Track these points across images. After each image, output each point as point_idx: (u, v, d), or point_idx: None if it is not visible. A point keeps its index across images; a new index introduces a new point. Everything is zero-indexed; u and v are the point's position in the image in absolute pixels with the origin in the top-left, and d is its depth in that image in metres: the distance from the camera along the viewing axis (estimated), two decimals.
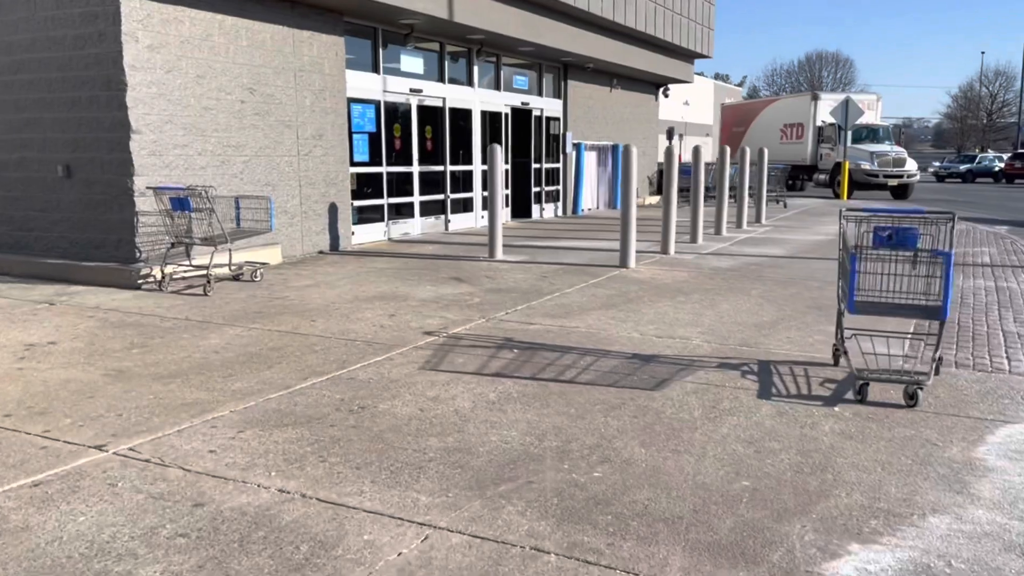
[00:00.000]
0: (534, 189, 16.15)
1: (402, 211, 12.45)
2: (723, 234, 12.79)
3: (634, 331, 6.08)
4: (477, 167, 14.13)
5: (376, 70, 11.72)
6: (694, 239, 11.74)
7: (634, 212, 9.37)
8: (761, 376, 4.89)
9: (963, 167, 43.86)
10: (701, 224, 11.82)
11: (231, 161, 9.16)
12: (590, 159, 17.89)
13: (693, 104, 47.89)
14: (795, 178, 28.17)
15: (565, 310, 6.88)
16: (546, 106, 16.28)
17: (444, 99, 13.20)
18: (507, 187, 15.20)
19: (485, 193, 14.38)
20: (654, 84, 21.08)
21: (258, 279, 8.41)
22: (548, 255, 10.38)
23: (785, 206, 19.69)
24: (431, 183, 13.09)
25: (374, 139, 11.67)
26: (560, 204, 17.16)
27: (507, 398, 4.47)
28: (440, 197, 13.33)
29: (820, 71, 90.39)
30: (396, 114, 12.22)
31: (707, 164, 25.72)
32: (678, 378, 4.85)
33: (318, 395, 4.53)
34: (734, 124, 33.62)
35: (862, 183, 25.05)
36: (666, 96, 21.97)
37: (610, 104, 18.72)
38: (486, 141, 14.34)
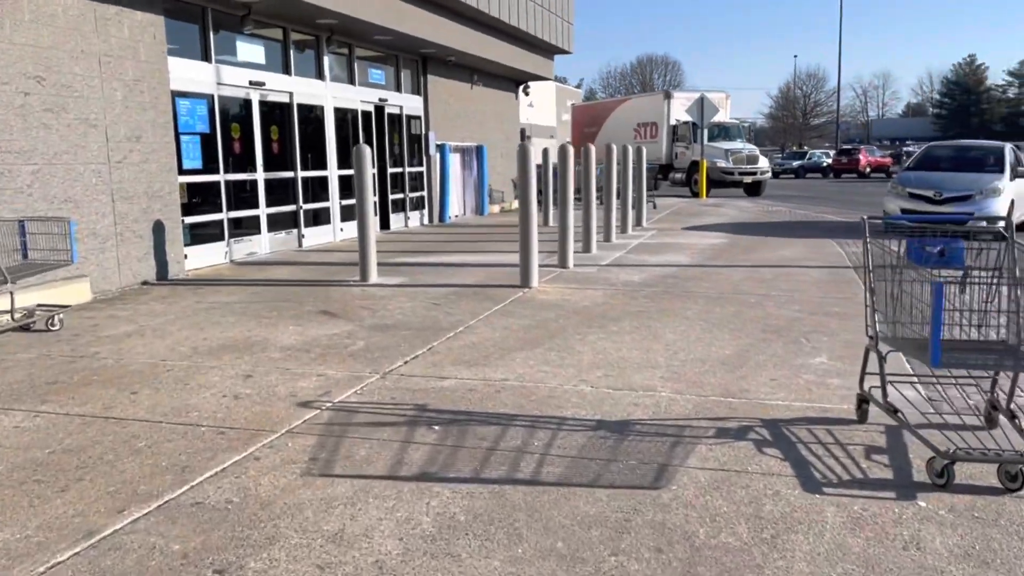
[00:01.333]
0: (396, 196, 14.47)
1: (246, 226, 10.44)
2: (613, 240, 11.70)
3: (580, 382, 4.67)
4: (333, 172, 12.30)
5: (207, 58, 9.68)
6: (587, 248, 10.54)
7: (535, 221, 7.98)
8: (782, 447, 3.61)
9: (795, 163, 46.09)
10: (595, 231, 10.63)
11: (13, 172, 6.94)
12: (455, 162, 16.42)
13: (537, 106, 47.53)
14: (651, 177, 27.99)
15: (480, 353, 5.36)
16: (405, 103, 14.65)
17: (291, 94, 11.29)
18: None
19: (343, 202, 12.57)
20: (514, 81, 19.90)
21: (56, 327, 6.30)
22: (431, 275, 8.80)
23: (655, 207, 19.09)
24: (280, 192, 11.15)
25: (208, 141, 9.62)
26: (426, 212, 15.57)
27: (452, 527, 2.91)
28: (291, 208, 11.40)
29: (651, 74, 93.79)
30: (234, 111, 10.21)
31: (537, 166, 24.86)
32: (679, 461, 3.46)
33: (142, 549, 2.77)
34: (585, 124, 33.24)
35: (718, 181, 25.11)
36: (526, 94, 20.88)
37: (472, 102, 17.34)
38: (341, 142, 12.53)
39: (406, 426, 3.97)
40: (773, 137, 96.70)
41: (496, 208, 18.58)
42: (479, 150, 17.38)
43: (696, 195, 24.80)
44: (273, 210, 10.94)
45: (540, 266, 9.04)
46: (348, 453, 3.63)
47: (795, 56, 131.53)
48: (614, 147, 12.01)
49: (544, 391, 4.50)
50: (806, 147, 71.53)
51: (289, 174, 11.31)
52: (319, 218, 12.08)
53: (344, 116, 12.68)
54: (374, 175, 13.64)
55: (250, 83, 10.40)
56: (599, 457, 3.53)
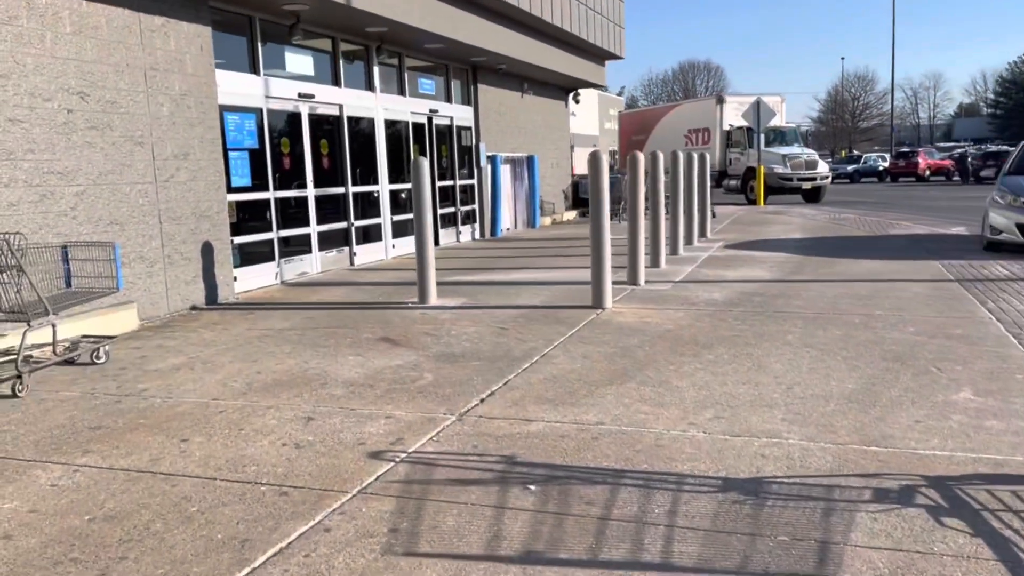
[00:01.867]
0: (446, 210, 13.97)
1: (296, 245, 10.01)
2: (680, 253, 11.01)
3: (689, 426, 4.03)
4: (384, 187, 11.84)
5: (255, 70, 9.28)
6: (655, 263, 9.87)
7: (607, 235, 7.36)
8: (966, 518, 2.93)
9: (850, 168, 44.70)
10: (663, 244, 9.97)
11: (56, 194, 6.55)
12: (505, 173, 15.89)
13: (579, 115, 46.98)
14: None
15: (563, 388, 4.76)
16: (456, 114, 14.16)
17: (341, 106, 10.86)
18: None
19: (394, 218, 12.09)
20: (564, 89, 19.34)
21: (101, 360, 5.86)
22: (493, 295, 8.23)
23: (714, 215, 18.31)
24: (330, 209, 10.71)
25: (257, 157, 9.21)
26: (477, 226, 15.05)
27: None
28: (342, 225, 10.95)
29: (694, 80, 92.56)
30: (283, 125, 9.80)
31: (582, 176, 24.15)
32: (840, 537, 2.81)
33: None
34: (633, 132, 32.52)
35: (776, 187, 24.22)
36: (576, 102, 20.30)
37: (521, 111, 16.81)
38: (392, 155, 12.07)
39: (496, 485, 3.38)
40: (822, 141, 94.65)
41: (548, 220, 18.00)
42: (530, 160, 16.83)
43: (752, 203, 23.92)
44: (324, 228, 10.50)
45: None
46: (434, 522, 3.05)
47: (842, 58, 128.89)
48: (680, 154, 11.33)
49: (649, 438, 3.88)
50: (855, 151, 69.72)
51: (340, 190, 10.87)
52: (370, 235, 11.61)
53: (394, 128, 12.23)
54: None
55: (299, 95, 9.98)
56: (739, 531, 2.89)
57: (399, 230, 12.22)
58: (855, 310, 6.76)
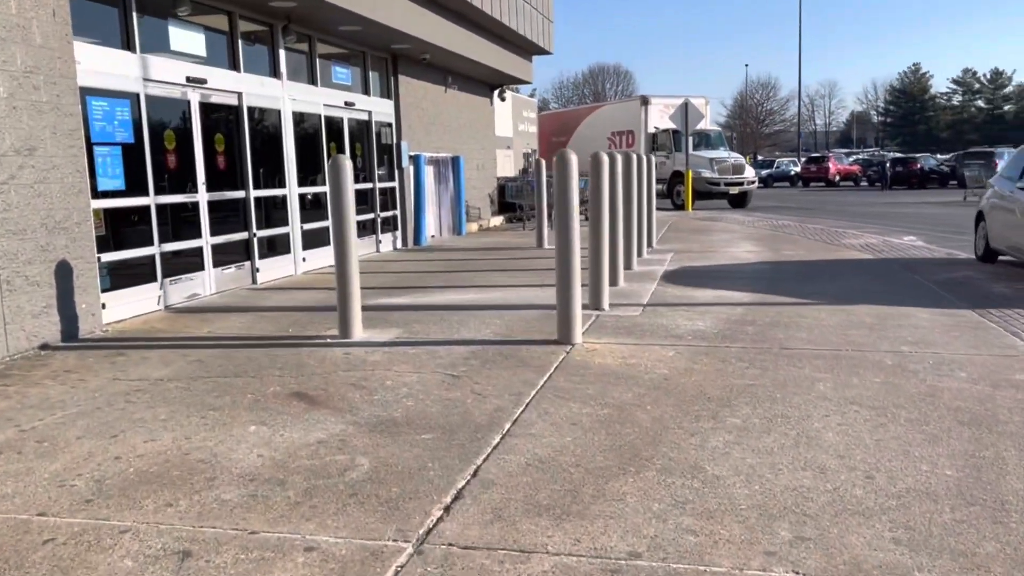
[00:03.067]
0: (364, 216, 12.37)
1: (185, 262, 8.27)
2: (635, 268, 9.79)
3: (767, 558, 2.70)
4: (293, 190, 10.18)
5: (130, 46, 7.52)
6: (613, 280, 8.60)
7: (577, 254, 6.01)
8: None
9: (764, 172, 45.09)
10: (621, 260, 8.71)
11: None
12: (428, 175, 14.39)
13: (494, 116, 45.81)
14: None
15: (561, 483, 3.37)
16: (375, 108, 12.58)
17: (240, 95, 9.16)
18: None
19: (305, 226, 10.44)
20: (490, 86, 17.98)
21: None
22: (433, 324, 6.77)
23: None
24: (228, 217, 9.00)
25: (133, 154, 7.45)
26: (399, 234, 13.49)
27: None
28: (242, 236, 9.25)
29: (604, 83, 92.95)
30: (168, 115, 8.06)
31: (509, 179, 22.87)
32: None
33: None
34: (553, 134, 31.44)
35: (704, 192, 23.56)
36: (502, 99, 18.97)
37: (445, 108, 15.34)
38: (301, 154, 10.42)
39: None
40: (731, 146, 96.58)
41: (474, 227, 16.58)
42: (455, 162, 15.38)
43: (680, 208, 23.17)
44: (220, 239, 8.78)
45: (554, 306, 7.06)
46: None
47: (746, 65, 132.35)
48: (634, 156, 10.12)
49: None
50: (760, 155, 71.06)
51: (239, 194, 9.16)
52: (276, 247, 9.93)
53: (305, 122, 10.58)
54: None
55: (188, 80, 8.25)
56: None
57: (312, 240, 10.58)
58: (876, 345, 5.63)
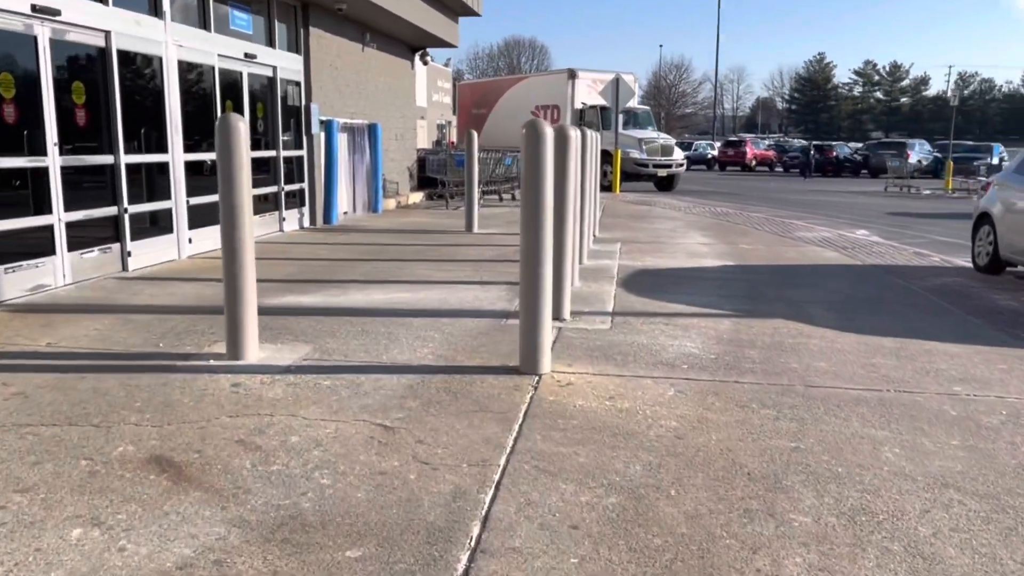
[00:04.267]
0: (265, 189, 10.64)
1: (29, 244, 6.47)
2: (585, 262, 8.50)
3: None
4: (177, 156, 8.39)
5: None
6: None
7: (548, 251, 4.63)
8: None
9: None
10: (577, 253, 7.39)
11: None
12: (342, 144, 12.69)
13: None
14: None
15: None
16: (281, 63, 10.79)
17: (108, 34, 7.32)
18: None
19: (192, 201, 8.68)
20: (411, 48, 16.29)
21: None
22: (353, 339, 5.27)
23: None
24: (90, 187, 7.20)
25: None
26: (307, 211, 11.78)
27: None
28: (110, 212, 7.46)
29: (519, 57, 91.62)
30: (6, 53, 6.21)
31: (430, 151, 21.38)
32: None
33: None
34: (473, 105, 29.86)
35: (632, 174, 22.54)
36: (424, 63, 17.31)
37: (363, 68, 13.61)
38: (191, 112, 8.63)
39: None
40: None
41: (392, 203, 14.96)
42: (372, 130, 13.71)
43: (607, 189, 22.08)
44: (78, 215, 6.98)
45: (507, 314, 5.66)
46: None
47: (660, 46, 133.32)
48: (589, 131, 8.78)
49: None
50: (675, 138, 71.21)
51: (106, 159, 7.36)
52: (155, 225, 8.16)
53: (194, 74, 8.77)
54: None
55: (34, 9, 6.39)
56: None
57: (201, 218, 8.83)
58: (919, 384, 4.50)
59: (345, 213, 12.92)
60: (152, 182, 8.09)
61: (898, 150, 36.17)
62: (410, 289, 6.97)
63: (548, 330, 4.58)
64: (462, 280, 7.43)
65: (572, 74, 24.38)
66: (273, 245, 9.66)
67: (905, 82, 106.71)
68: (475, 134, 11.37)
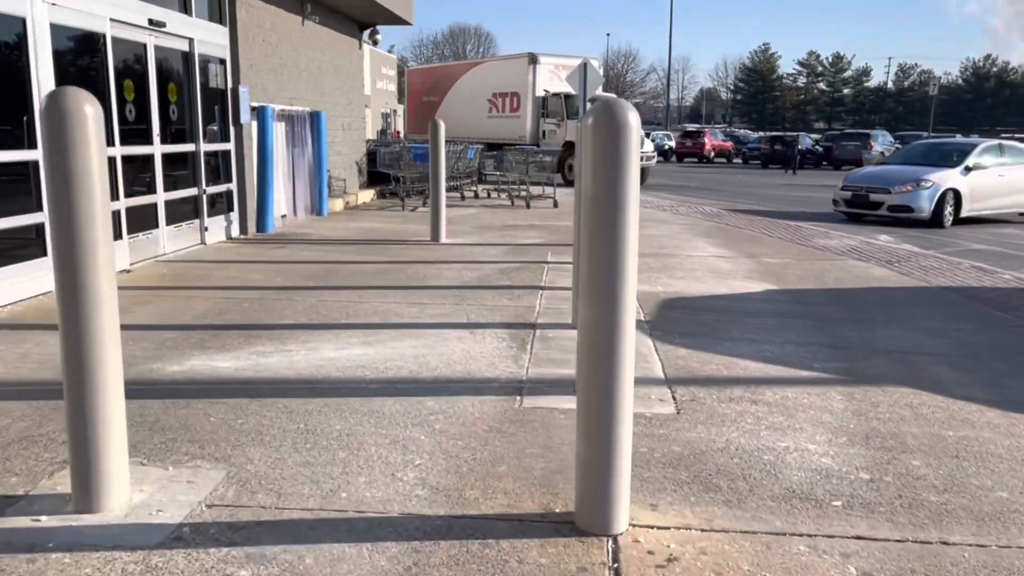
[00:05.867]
0: (181, 193, 8.52)
1: None
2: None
3: None
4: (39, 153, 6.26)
5: None
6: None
7: (629, 307, 2.76)
8: None
9: None
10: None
11: None
12: (278, 135, 10.60)
13: None
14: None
15: None
16: (199, 35, 8.66)
17: None
18: (143, 190, 7.35)
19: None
20: (359, 24, 14.19)
21: None
22: (294, 448, 3.33)
23: (555, 204, 14.26)
24: None
25: None
26: (236, 216, 9.67)
27: None
28: None
29: (464, 44, 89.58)
30: None
31: (381, 143, 19.32)
32: None
33: None
34: (424, 92, 27.77)
35: None
36: (375, 42, 15.23)
37: (304, 46, 11.51)
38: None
39: None
40: None
41: (339, 204, 12.89)
42: (315, 119, 11.63)
43: (571, 184, 20.31)
44: None
45: (519, 385, 3.72)
46: None
47: (608, 34, 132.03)
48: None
49: None
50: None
51: None
52: (15, 248, 6.03)
53: (76, 45, 6.64)
54: (113, 159, 7.66)
55: None
56: None
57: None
58: None
59: (283, 217, 10.84)
60: (12, 184, 5.96)
61: (861, 141, 35.31)
62: (373, 338, 5.03)
63: (627, 463, 2.72)
64: (442, 320, 5.53)
65: (533, 59, 22.49)
66: (189, 266, 7.58)
67: (847, 73, 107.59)
68: (441, 124, 9.43)
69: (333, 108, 12.74)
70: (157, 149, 7.86)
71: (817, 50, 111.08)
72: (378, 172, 15.20)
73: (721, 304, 6.33)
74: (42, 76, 6.07)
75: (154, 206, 7.85)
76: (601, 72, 23.58)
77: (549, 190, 15.37)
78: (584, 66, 19.33)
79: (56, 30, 6.25)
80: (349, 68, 13.75)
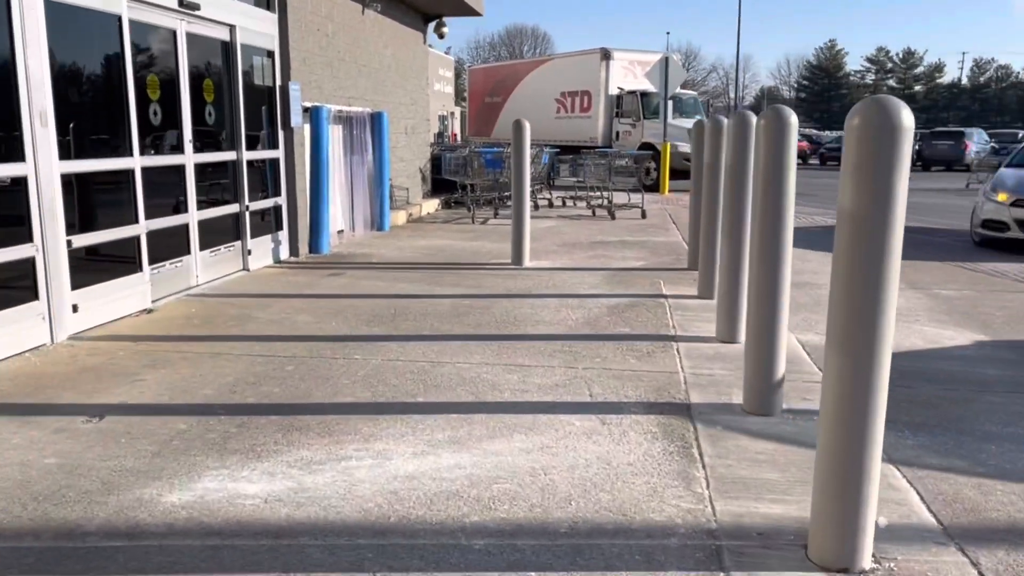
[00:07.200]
0: (223, 211, 7.15)
1: None
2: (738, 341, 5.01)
3: None
4: (47, 166, 4.89)
5: None
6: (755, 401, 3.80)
7: None
8: None
9: None
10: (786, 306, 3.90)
11: None
12: (335, 140, 9.19)
13: None
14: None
15: None
16: (241, 21, 7.28)
17: None
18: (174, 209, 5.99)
19: (88, 239, 5.20)
20: (423, 15, 12.76)
21: None
22: None
23: (643, 215, 12.57)
24: None
25: None
26: (286, 236, 8.28)
27: None
28: None
29: (521, 45, 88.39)
30: None
31: (443, 146, 17.88)
32: None
33: None
34: (487, 93, 26.35)
35: (680, 170, 18.99)
36: (441, 36, 13.77)
37: (363, 38, 10.10)
38: (71, 97, 5.14)
39: None
40: None
41: (401, 216, 11.45)
42: (376, 121, 10.20)
43: (651, 189, 18.60)
44: None
45: (710, 531, 2.11)
46: None
47: (667, 33, 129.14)
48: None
49: None
50: None
51: None
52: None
53: (83, 30, 5.28)
54: (130, 172, 6.28)
55: None
56: None
57: (96, 271, 5.36)
58: None
59: (340, 233, 9.42)
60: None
61: (955, 140, 32.71)
62: (465, 430, 3.49)
63: None
64: (556, 396, 3.97)
65: (606, 54, 20.82)
66: (225, 303, 6.16)
67: (919, 69, 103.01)
68: (526, 124, 7.88)
69: (395, 109, 11.32)
70: (189, 159, 6.47)
71: (887, 46, 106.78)
72: (442, 179, 13.76)
73: (930, 367, 4.62)
74: (32, 69, 4.70)
75: (184, 228, 6.47)
76: (683, 68, 21.81)
77: (634, 198, 13.69)
78: (666, 61, 17.68)
79: (53, 9, 4.88)
80: (413, 64, 12.31)
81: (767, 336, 3.72)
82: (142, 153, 5.76)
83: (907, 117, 2.29)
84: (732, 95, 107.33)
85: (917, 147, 33.85)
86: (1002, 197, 9.71)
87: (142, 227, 5.75)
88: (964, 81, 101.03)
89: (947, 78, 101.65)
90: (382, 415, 3.71)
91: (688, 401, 3.93)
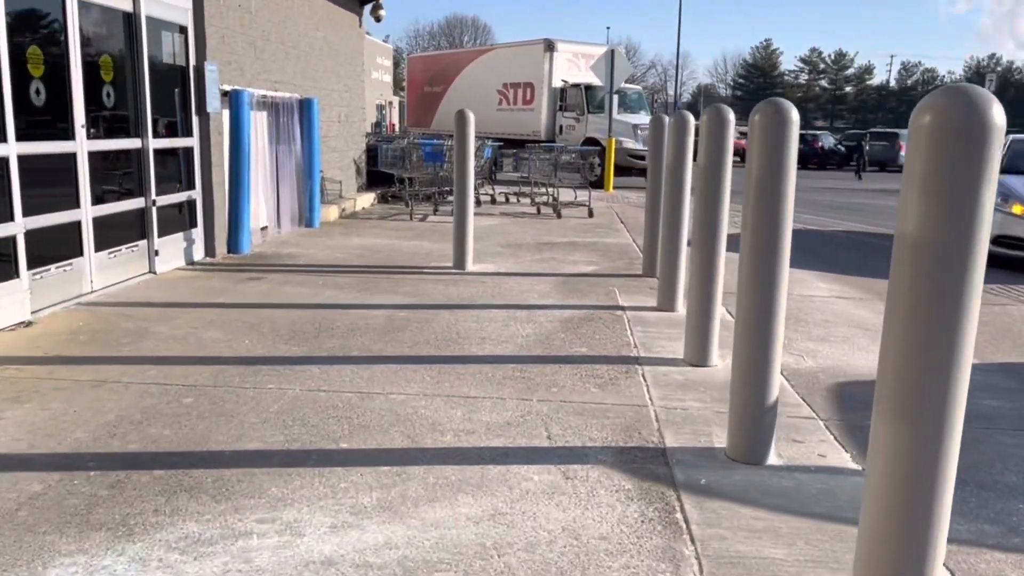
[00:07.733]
0: (126, 206, 6.28)
1: None
2: (714, 361, 4.45)
3: None
4: None
5: None
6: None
7: None
8: None
9: None
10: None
11: None
12: (258, 127, 8.35)
13: None
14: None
15: None
16: None
17: None
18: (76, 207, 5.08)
19: None
20: None
21: None
22: None
23: (591, 214, 12.02)
24: None
25: None
26: (200, 234, 7.43)
27: None
28: None
29: (461, 35, 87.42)
30: None
31: (379, 136, 17.14)
32: None
33: None
34: (427, 82, 25.52)
35: (624, 167, 18.58)
36: (378, 19, 12.95)
37: (291, 17, 9.26)
38: None
39: None
40: None
41: (333, 212, 10.63)
42: (305, 108, 9.38)
43: (595, 185, 18.11)
44: None
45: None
46: None
47: (607, 28, 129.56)
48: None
49: None
50: None
51: None
52: None
53: None
54: (3, 161, 5.40)
55: None
56: None
57: None
58: None
59: (263, 230, 8.60)
60: None
61: (889, 141, 33.25)
62: (399, 491, 2.82)
63: None
64: (509, 440, 3.33)
65: (550, 45, 20.25)
66: (122, 313, 5.34)
67: (850, 71, 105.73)
68: (470, 115, 7.21)
69: (327, 96, 10.50)
70: (81, 146, 5.60)
71: (819, 47, 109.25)
72: (378, 172, 12.96)
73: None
74: None
75: (76, 225, 5.61)
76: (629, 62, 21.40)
77: (579, 195, 13.14)
78: (611, 54, 17.18)
79: None
80: (347, 48, 11.49)
81: (758, 370, 3.16)
82: (19, 139, 4.90)
83: (998, 113, 1.73)
84: (671, 92, 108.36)
85: (850, 147, 34.29)
86: (1018, 209, 8.45)
87: (19, 225, 4.89)
88: (892, 83, 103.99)
89: (876, 80, 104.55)
90: (296, 468, 3.02)
91: (663, 445, 3.35)
